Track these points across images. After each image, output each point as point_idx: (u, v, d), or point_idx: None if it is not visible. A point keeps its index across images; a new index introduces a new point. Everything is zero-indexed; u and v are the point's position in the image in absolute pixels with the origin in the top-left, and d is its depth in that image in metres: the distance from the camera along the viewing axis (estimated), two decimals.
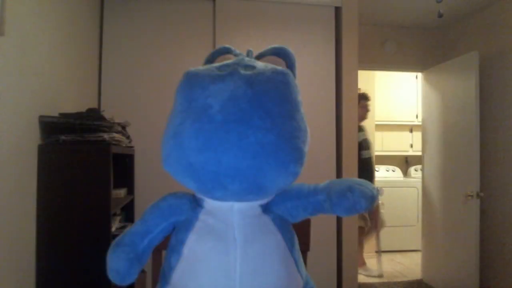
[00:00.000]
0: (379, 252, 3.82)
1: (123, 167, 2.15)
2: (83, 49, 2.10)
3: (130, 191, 2.19)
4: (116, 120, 1.74)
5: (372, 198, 0.78)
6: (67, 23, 1.79)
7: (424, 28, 3.69)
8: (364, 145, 3.60)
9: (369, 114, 4.70)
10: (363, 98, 3.75)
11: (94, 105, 2.34)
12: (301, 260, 0.87)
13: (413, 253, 4.53)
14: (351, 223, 2.75)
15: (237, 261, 0.76)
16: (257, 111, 0.71)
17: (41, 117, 1.44)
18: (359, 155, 3.19)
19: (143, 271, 1.95)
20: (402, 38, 3.67)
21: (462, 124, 3.07)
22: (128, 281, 0.82)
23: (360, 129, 3.53)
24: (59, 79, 1.68)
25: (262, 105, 0.72)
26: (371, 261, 3.96)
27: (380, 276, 3.70)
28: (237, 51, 0.88)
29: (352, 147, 2.77)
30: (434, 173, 3.44)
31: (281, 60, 0.86)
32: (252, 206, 0.80)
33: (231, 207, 0.79)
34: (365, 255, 3.93)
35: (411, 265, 4.19)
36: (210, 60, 0.89)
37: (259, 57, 0.88)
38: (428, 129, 3.59)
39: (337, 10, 2.80)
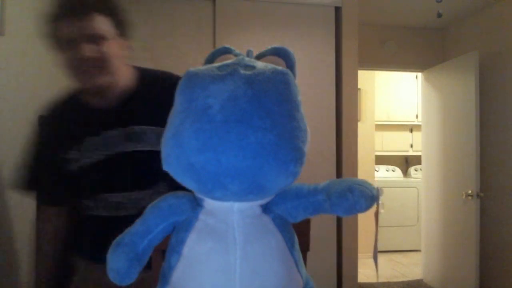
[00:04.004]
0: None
1: None
2: None
3: None
4: None
5: (372, 198, 0.78)
6: None
7: (424, 28, 3.69)
8: None
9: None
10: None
11: None
12: (301, 260, 0.87)
13: (413, 253, 4.53)
14: (351, 223, 2.75)
15: (237, 261, 0.76)
16: (257, 111, 0.71)
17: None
18: None
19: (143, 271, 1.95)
20: (402, 38, 3.67)
21: (462, 124, 3.07)
22: (128, 281, 0.82)
23: None
24: (59, 79, 1.67)
25: (262, 105, 0.71)
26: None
27: None
28: (237, 51, 0.88)
29: (352, 147, 2.77)
30: (434, 173, 3.44)
31: (281, 60, 0.86)
32: (252, 206, 0.80)
33: (231, 207, 0.79)
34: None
35: (411, 265, 4.19)
36: (210, 60, 0.89)
37: (259, 57, 0.87)
38: (428, 129, 3.59)
39: (337, 10, 2.80)
